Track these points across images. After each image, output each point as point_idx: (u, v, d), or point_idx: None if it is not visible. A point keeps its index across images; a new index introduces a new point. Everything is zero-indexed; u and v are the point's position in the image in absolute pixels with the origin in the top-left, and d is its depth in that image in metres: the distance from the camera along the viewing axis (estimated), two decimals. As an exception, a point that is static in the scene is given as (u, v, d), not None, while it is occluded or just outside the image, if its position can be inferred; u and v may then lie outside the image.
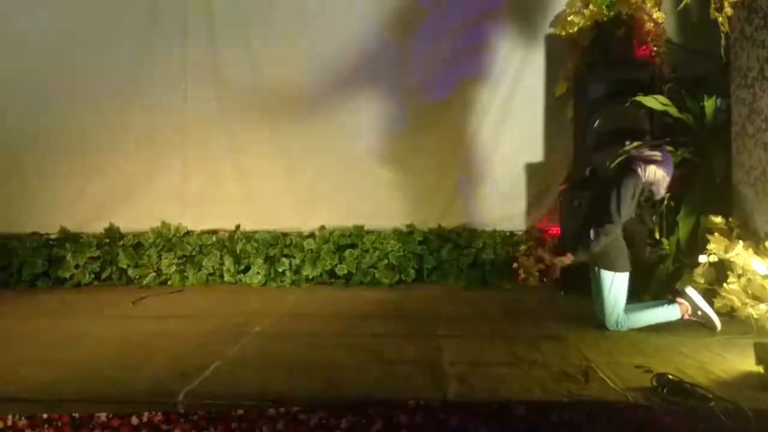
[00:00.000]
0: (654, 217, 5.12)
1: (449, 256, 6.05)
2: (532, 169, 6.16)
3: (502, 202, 6.16)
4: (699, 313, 4.20)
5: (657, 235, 5.10)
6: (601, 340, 4.01)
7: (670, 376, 3.08)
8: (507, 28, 6.08)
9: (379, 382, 3.24)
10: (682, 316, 4.23)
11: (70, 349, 3.98)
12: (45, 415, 2.94)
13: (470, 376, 3.28)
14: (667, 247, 5.03)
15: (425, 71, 6.14)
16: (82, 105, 6.16)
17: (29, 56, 6.13)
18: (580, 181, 5.50)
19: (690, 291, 4.25)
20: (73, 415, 2.93)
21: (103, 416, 2.93)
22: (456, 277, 5.99)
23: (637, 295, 5.01)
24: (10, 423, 2.93)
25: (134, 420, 2.92)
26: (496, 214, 6.16)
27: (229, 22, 6.12)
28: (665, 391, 2.98)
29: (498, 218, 6.16)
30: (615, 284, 4.18)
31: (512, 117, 6.11)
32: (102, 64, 6.15)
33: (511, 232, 6.14)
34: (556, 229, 5.86)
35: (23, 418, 2.93)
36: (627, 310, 4.22)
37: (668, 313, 4.23)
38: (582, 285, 5.29)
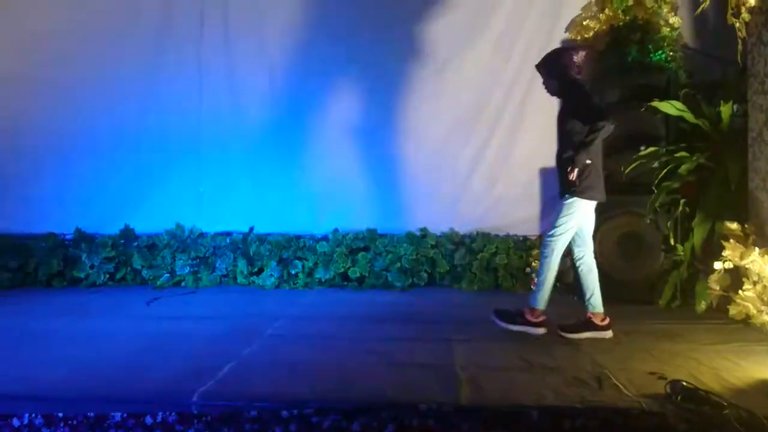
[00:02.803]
0: (669, 223, 5.10)
1: (462, 260, 6.04)
2: (545, 174, 6.14)
3: (516, 207, 6.14)
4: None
5: (672, 241, 5.08)
6: (614, 345, 4.00)
7: (685, 383, 3.06)
8: (521, 33, 6.06)
9: (391, 385, 3.24)
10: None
11: (86, 349, 4.02)
12: (61, 414, 2.96)
13: (482, 380, 3.28)
14: (682, 254, 5.01)
15: (437, 76, 6.14)
16: (98, 106, 6.21)
17: (45, 57, 6.18)
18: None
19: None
20: (88, 414, 2.96)
21: (117, 416, 2.94)
22: (469, 281, 5.99)
23: (651, 302, 5.02)
24: (26, 421, 2.95)
25: (148, 420, 2.94)
26: (509, 219, 6.14)
27: (244, 24, 6.15)
28: (679, 398, 2.96)
29: (512, 223, 6.14)
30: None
31: (526, 121, 6.10)
32: (117, 66, 6.19)
33: (525, 237, 6.12)
34: (569, 234, 5.82)
35: (39, 417, 2.95)
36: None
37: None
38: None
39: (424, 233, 6.18)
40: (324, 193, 6.23)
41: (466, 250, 6.08)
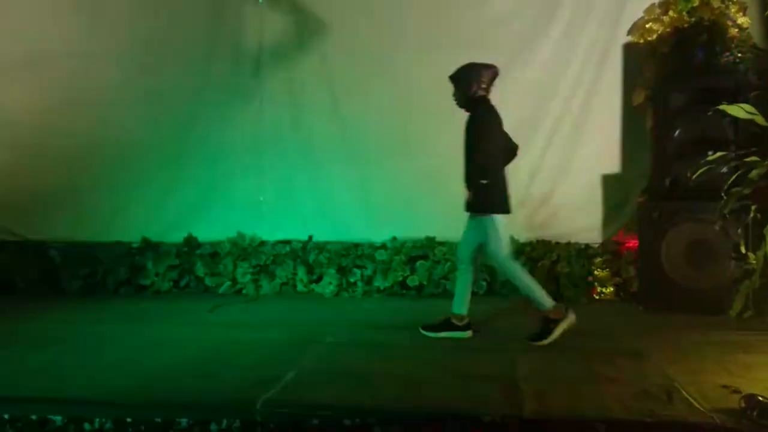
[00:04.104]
0: (739, 230, 4.92)
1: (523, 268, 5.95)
2: (608, 181, 6.01)
3: (578, 214, 6.02)
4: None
5: (743, 249, 4.89)
6: (684, 357, 3.88)
7: (760, 398, 2.94)
8: (581, 39, 5.96)
9: (454, 396, 3.22)
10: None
11: (152, 356, 4.12)
12: (129, 419, 3.04)
13: (547, 393, 3.22)
14: (754, 262, 4.80)
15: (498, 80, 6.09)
16: (164, 117, 6.36)
17: (114, 72, 6.36)
18: (660, 192, 5.35)
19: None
20: (156, 420, 3.03)
21: (184, 422, 3.01)
22: (529, 290, 5.89)
23: (721, 312, 4.84)
24: (97, 426, 3.05)
25: (213, 427, 2.99)
26: (570, 227, 6.03)
27: (306, 34, 6.21)
28: (755, 413, 2.84)
29: (573, 230, 6.03)
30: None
31: (588, 127, 5.98)
32: (183, 78, 6.33)
33: (587, 245, 6.00)
34: (634, 242, 5.69)
35: (109, 422, 3.04)
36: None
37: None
38: (662, 300, 5.17)
39: (483, 241, 6.11)
40: (382, 202, 6.24)
41: (526, 258, 5.99)
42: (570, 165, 6.08)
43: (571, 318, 4.23)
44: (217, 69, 6.33)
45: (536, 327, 4.30)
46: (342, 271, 6.17)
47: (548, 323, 4.24)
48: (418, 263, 6.08)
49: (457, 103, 4.53)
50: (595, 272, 5.88)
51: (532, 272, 5.84)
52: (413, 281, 6.05)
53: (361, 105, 6.19)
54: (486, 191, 4.33)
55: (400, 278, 6.08)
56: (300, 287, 6.23)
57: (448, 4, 6.10)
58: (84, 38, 6.37)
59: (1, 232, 6.55)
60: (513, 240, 6.03)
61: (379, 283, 6.10)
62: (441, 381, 3.46)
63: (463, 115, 4.63)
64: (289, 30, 6.31)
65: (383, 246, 6.25)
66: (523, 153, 6.04)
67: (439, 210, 6.20)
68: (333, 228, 6.30)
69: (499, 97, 6.01)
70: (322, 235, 6.35)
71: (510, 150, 4.60)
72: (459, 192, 6.11)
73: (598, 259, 5.89)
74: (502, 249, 4.40)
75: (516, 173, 6.09)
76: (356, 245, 6.26)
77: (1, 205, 6.51)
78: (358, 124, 6.20)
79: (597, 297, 5.85)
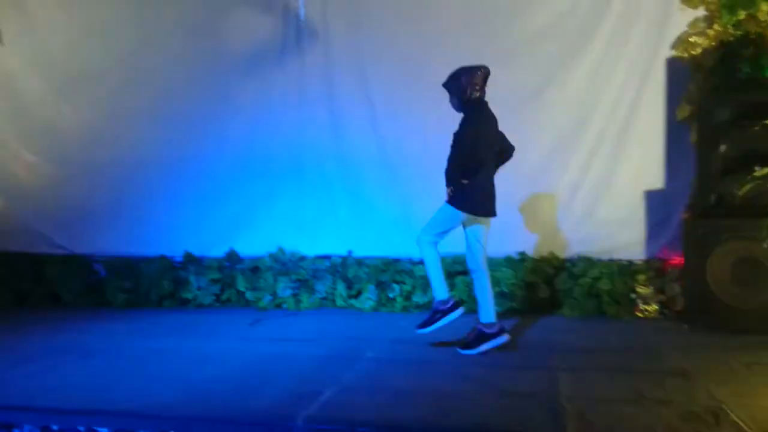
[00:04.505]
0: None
1: (563, 285, 5.89)
2: (651, 196, 5.90)
3: (620, 230, 5.92)
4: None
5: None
6: (732, 378, 3.77)
7: (813, 422, 2.86)
8: (623, 54, 5.89)
9: (495, 414, 3.19)
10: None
11: (194, 369, 4.18)
12: (173, 432, 3.09)
13: (590, 413, 3.17)
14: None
15: (534, 100, 6.06)
16: (205, 137, 6.47)
17: (157, 90, 6.52)
18: (705, 209, 5.24)
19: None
20: (199, 434, 3.07)
21: (226, 436, 3.04)
22: (570, 307, 5.82)
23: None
24: (141, 438, 3.10)
25: (255, 441, 3.02)
26: (613, 243, 5.93)
27: (344, 55, 6.26)
28: (807, 438, 2.76)
29: (615, 247, 5.93)
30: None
31: (630, 143, 5.89)
32: (225, 95, 6.45)
33: (630, 262, 5.89)
34: (678, 259, 5.59)
35: (153, 435, 3.09)
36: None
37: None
38: (707, 318, 5.05)
39: (523, 257, 6.07)
40: (421, 216, 6.18)
41: (567, 274, 5.92)
42: (612, 180, 5.99)
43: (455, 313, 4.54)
44: (259, 86, 6.42)
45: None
46: (381, 286, 6.18)
47: (436, 313, 4.56)
48: (457, 279, 6.05)
49: (455, 108, 4.66)
50: (639, 289, 5.78)
51: (572, 289, 5.83)
52: (453, 297, 6.00)
53: (401, 120, 6.22)
54: (465, 191, 4.48)
55: (440, 294, 6.04)
56: (339, 302, 6.26)
57: (486, 19, 6.07)
58: (132, 55, 6.55)
59: (49, 245, 6.73)
60: (553, 256, 6.02)
61: (418, 298, 6.09)
62: (481, 398, 3.43)
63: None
64: (328, 49, 6.37)
65: (422, 261, 6.23)
66: (564, 169, 6.08)
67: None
68: (372, 243, 6.31)
69: (537, 111, 6.06)
70: (362, 250, 6.37)
71: (504, 151, 4.71)
72: (499, 207, 6.13)
73: (642, 276, 5.78)
74: (432, 232, 4.63)
75: (556, 189, 6.10)
76: (395, 260, 6.27)
77: (49, 219, 6.72)
78: (398, 139, 6.21)
79: (640, 315, 5.74)
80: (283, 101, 6.39)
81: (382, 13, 6.24)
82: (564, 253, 6.05)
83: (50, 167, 6.77)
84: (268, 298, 6.36)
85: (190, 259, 6.54)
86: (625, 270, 5.85)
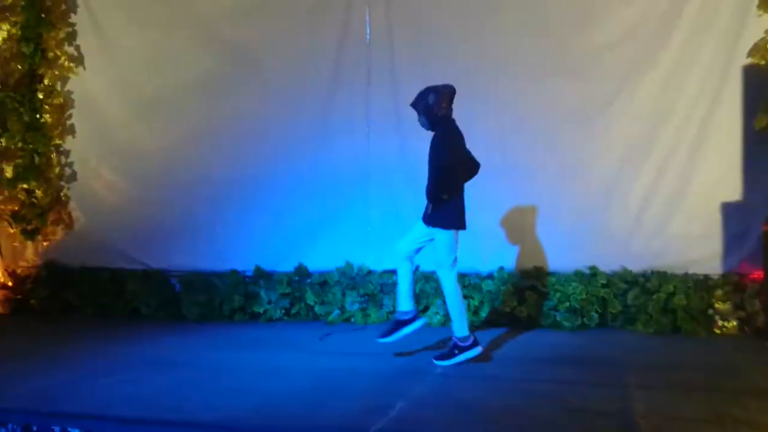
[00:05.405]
0: None
1: (636, 300, 5.74)
2: (729, 209, 5.70)
3: (696, 244, 5.75)
4: None
5: None
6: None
7: None
8: (697, 63, 5.74)
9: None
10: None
11: (266, 382, 4.27)
12: (247, 444, 3.16)
13: (667, 431, 3.08)
14: None
15: (604, 112, 5.96)
16: (276, 156, 6.62)
17: (233, 110, 6.71)
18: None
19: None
20: (272, 445, 3.13)
21: (298, 448, 3.09)
22: (644, 323, 5.67)
23: None
24: (216, 449, 3.18)
25: (326, 454, 3.05)
26: (688, 256, 5.76)
27: (409, 73, 6.26)
28: None
29: (690, 260, 5.75)
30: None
31: (706, 153, 5.72)
32: (292, 111, 6.58)
33: (706, 276, 5.70)
34: (758, 273, 5.37)
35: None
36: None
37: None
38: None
39: (594, 271, 5.95)
40: (489, 231, 6.19)
41: (640, 289, 5.76)
42: (687, 192, 5.83)
43: (478, 350, 4.63)
44: (327, 104, 6.54)
45: (445, 348, 4.74)
46: (449, 301, 6.16)
47: (455, 348, 4.63)
48: (526, 293, 5.98)
49: (424, 127, 4.79)
50: (716, 305, 5.58)
51: (645, 304, 5.68)
52: (521, 312, 5.95)
53: (465, 133, 6.19)
54: (445, 207, 4.65)
55: (508, 309, 5.99)
56: (407, 316, 6.26)
57: (553, 30, 6.03)
58: (206, 76, 6.76)
59: (128, 261, 7.00)
60: (625, 270, 5.88)
61: (485, 312, 6.05)
62: (554, 415, 3.39)
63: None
64: (394, 63, 6.44)
65: (490, 276, 6.20)
66: (635, 181, 5.95)
67: (546, 239, 6.12)
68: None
69: (607, 123, 5.96)
70: (429, 264, 6.34)
71: (471, 168, 4.87)
72: (568, 221, 6.03)
73: (719, 291, 5.59)
74: (450, 262, 4.75)
75: (628, 202, 5.97)
76: (463, 275, 6.23)
77: (128, 236, 6.99)
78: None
79: (718, 331, 5.55)
80: (349, 121, 6.48)
81: (448, 30, 6.27)
82: (636, 268, 5.90)
83: (129, 186, 7.06)
84: (336, 312, 6.43)
85: (261, 274, 6.68)
86: (702, 285, 5.67)
